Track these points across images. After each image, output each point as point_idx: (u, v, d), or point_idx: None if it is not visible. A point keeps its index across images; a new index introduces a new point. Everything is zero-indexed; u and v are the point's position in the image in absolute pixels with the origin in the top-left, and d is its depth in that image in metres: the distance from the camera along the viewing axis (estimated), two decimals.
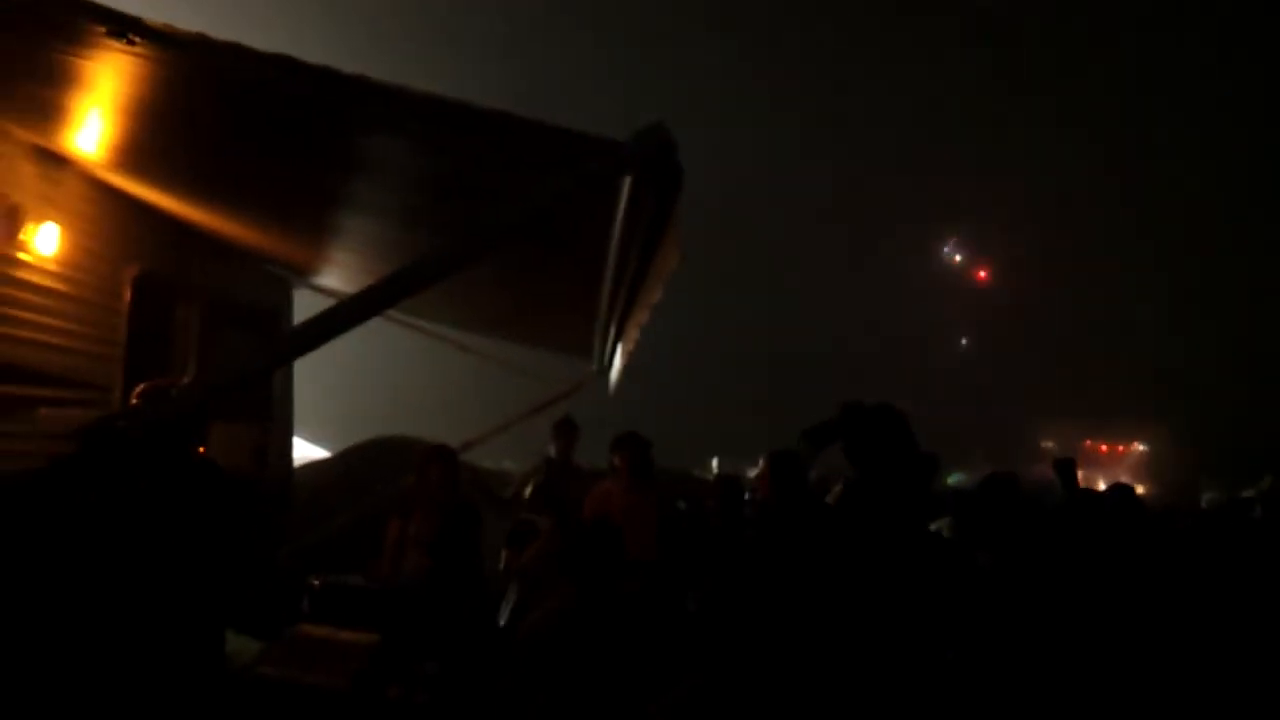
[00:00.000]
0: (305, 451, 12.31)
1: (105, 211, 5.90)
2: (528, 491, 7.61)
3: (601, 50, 45.28)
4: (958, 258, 49.54)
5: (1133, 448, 45.38)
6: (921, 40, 48.11)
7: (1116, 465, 40.27)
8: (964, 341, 49.84)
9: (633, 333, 6.35)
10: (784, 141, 47.08)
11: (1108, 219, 46.14)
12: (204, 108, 4.08)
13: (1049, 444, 44.28)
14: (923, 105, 48.57)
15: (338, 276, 7.91)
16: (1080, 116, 46.92)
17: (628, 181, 3.41)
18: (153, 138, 4.80)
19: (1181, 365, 41.89)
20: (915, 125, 48.77)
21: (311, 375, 10.40)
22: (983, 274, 48.80)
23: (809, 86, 47.98)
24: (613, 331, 6.86)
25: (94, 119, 4.59)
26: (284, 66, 3.25)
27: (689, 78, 43.37)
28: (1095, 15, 47.07)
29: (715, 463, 15.82)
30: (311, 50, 3.46)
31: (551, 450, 7.78)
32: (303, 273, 8.33)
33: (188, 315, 7.07)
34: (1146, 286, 45.43)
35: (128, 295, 6.20)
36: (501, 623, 6.26)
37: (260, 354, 6.38)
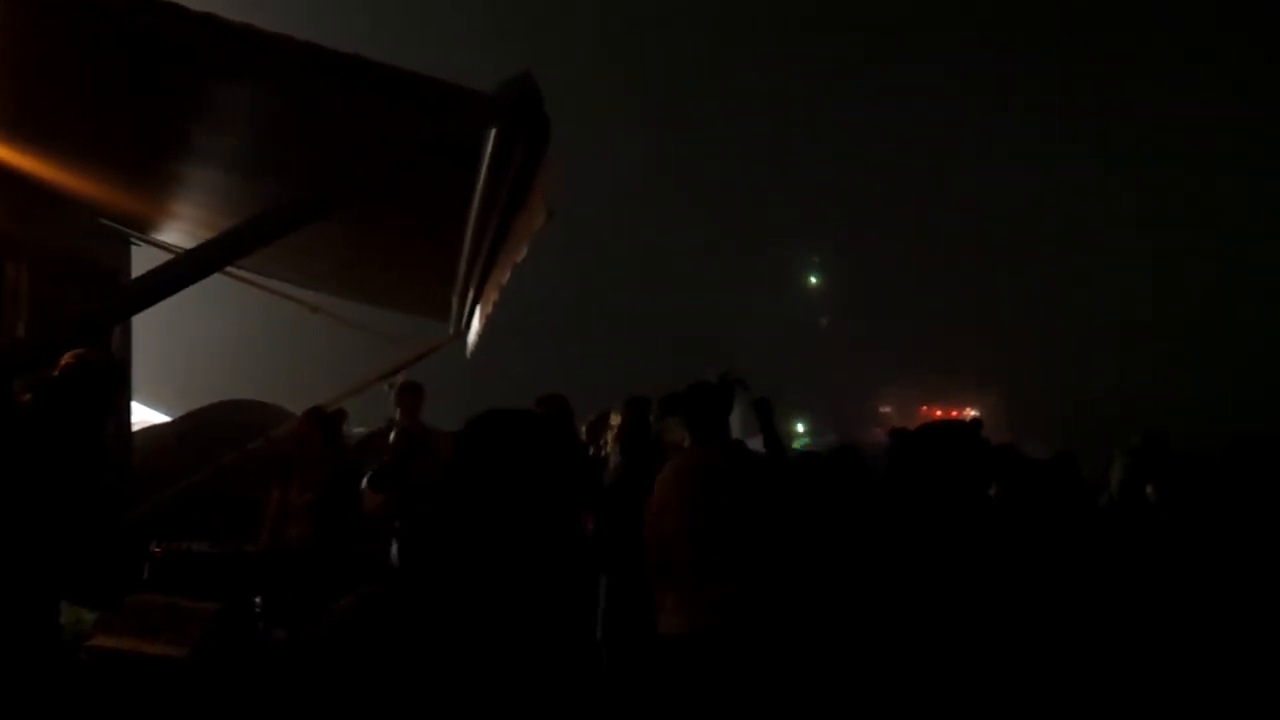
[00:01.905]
0: (144, 415, 11.77)
1: None
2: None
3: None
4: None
5: (965, 413, 47.59)
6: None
7: None
8: (824, 321, 51.05)
9: (492, 294, 6.26)
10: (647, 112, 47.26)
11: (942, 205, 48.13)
12: (32, 41, 3.81)
13: (887, 409, 46.12)
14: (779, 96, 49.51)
15: (182, 232, 7.55)
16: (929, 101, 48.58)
17: (492, 134, 3.33)
18: None
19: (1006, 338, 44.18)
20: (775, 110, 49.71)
21: (151, 337, 9.94)
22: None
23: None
24: (471, 293, 6.76)
25: None
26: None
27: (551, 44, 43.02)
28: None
29: None
30: None
31: (396, 414, 7.66)
32: (143, 228, 7.92)
33: (17, 272, 6.65)
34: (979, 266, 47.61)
35: None
36: None
37: (95, 309, 6.06)
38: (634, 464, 5.46)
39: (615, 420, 6.36)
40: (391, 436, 6.95)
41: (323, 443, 5.97)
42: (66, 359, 4.28)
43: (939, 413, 47.80)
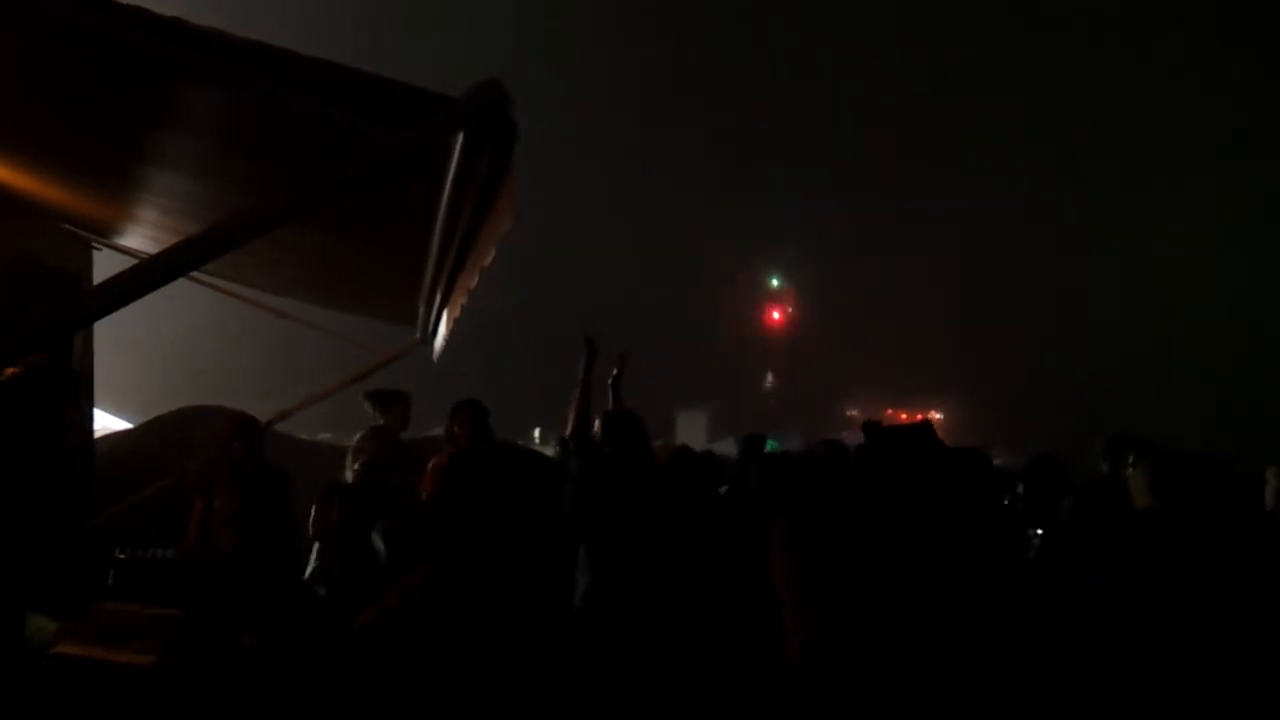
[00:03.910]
0: (106, 422, 11.65)
1: None
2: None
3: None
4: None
5: (929, 416, 48.04)
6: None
7: None
8: (769, 379, 50.94)
9: (459, 299, 6.26)
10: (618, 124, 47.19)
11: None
12: None
13: (854, 413, 46.50)
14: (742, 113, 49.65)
15: (145, 237, 7.49)
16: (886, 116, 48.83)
17: (460, 139, 3.35)
18: None
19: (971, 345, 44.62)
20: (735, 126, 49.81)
21: (113, 343, 9.87)
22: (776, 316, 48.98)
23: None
24: (439, 298, 6.75)
25: None
26: (92, 3, 3.05)
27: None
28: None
29: (537, 433, 15.81)
30: None
31: (381, 421, 7.56)
32: (106, 233, 7.85)
33: None
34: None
35: None
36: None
37: (56, 315, 6.00)
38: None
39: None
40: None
41: (243, 450, 5.95)
42: (13, 368, 4.25)
43: (904, 416, 48.29)
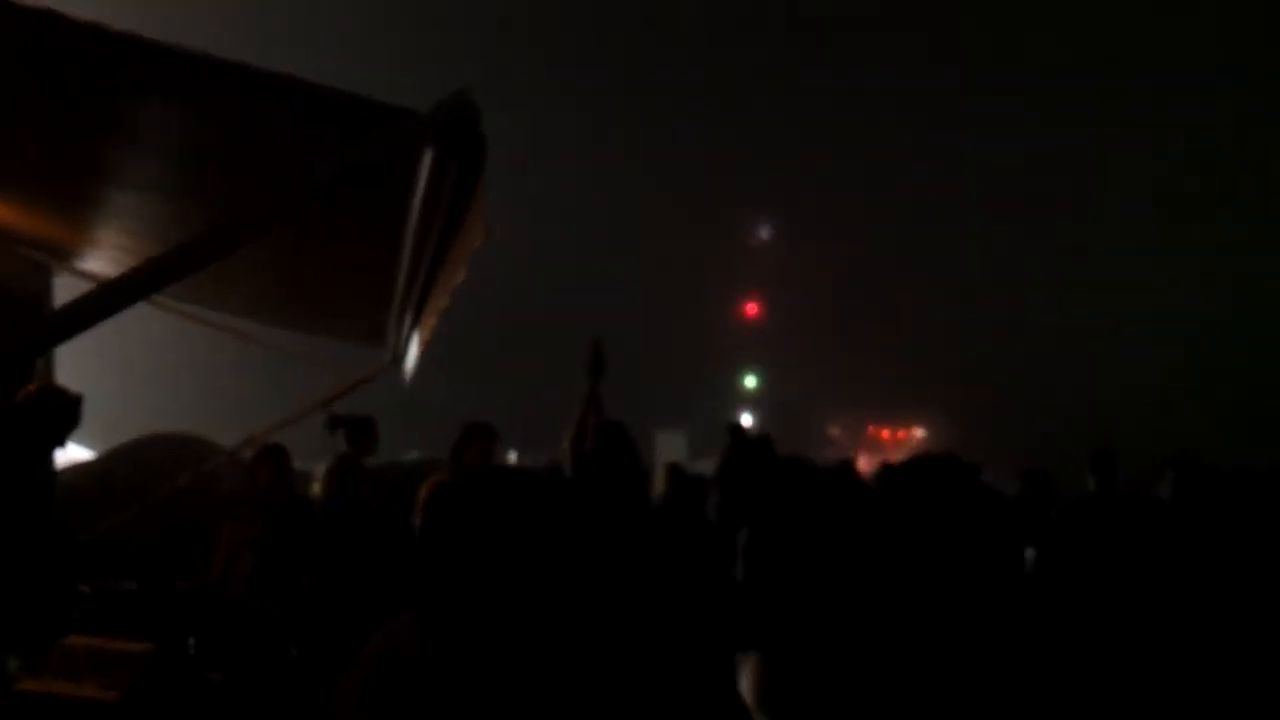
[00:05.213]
0: (67, 453, 11.42)
1: None
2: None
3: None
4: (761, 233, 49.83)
5: (912, 433, 48.01)
6: None
7: (898, 449, 42.47)
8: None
9: (430, 319, 6.17)
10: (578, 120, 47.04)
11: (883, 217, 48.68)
12: None
13: (836, 430, 46.43)
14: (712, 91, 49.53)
15: (106, 259, 7.35)
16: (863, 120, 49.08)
17: (429, 155, 3.27)
18: None
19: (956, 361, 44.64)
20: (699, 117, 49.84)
21: (73, 370, 9.69)
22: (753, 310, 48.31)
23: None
24: (409, 318, 6.66)
25: None
26: (45, 20, 2.96)
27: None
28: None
29: (514, 456, 15.70)
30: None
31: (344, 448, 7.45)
32: (65, 256, 7.70)
33: None
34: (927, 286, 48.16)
35: None
36: None
37: (16, 340, 5.86)
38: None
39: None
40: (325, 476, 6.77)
41: (270, 477, 5.88)
42: (26, 390, 4.20)
43: (885, 433, 48.20)
